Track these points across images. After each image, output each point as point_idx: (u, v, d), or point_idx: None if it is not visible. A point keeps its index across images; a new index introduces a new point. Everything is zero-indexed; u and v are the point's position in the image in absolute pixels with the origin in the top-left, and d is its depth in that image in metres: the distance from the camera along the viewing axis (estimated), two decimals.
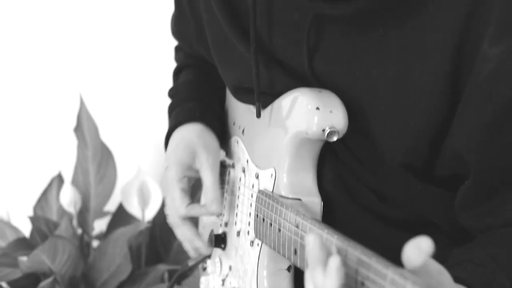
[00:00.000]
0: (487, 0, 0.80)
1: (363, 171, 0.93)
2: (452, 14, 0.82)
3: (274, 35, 0.96)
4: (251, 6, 0.93)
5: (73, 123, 1.85)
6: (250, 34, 0.94)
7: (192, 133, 1.08)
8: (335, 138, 0.88)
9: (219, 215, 1.07)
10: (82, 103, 1.85)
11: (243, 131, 1.07)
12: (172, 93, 1.19)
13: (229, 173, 1.09)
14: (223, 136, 1.12)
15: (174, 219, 1.08)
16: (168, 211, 1.09)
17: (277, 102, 0.96)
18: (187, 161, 1.06)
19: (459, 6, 0.81)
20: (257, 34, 0.95)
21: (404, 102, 0.87)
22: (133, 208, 1.78)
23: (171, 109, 1.15)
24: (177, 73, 1.24)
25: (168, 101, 1.19)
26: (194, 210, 1.05)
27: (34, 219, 1.82)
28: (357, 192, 0.94)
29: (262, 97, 0.97)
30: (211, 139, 1.08)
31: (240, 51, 0.99)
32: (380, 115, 0.89)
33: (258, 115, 0.97)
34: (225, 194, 1.09)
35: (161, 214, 1.74)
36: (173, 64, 1.27)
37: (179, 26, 1.17)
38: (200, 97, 1.14)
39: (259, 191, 0.97)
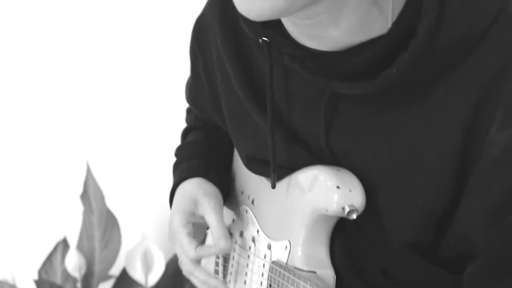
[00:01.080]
0: (496, 88, 0.83)
1: (370, 249, 0.94)
2: (462, 99, 0.84)
3: (292, 109, 0.97)
4: (268, 80, 0.95)
5: (80, 189, 1.90)
6: (267, 106, 0.95)
7: (194, 185, 1.11)
8: (354, 216, 0.90)
9: (229, 252, 1.08)
10: (88, 171, 1.91)
11: (252, 201, 1.09)
12: (178, 151, 1.22)
13: (236, 242, 1.11)
14: (226, 196, 1.14)
15: (186, 266, 1.09)
16: (180, 260, 1.10)
17: (294, 176, 0.98)
18: (189, 208, 1.08)
19: (469, 93, 0.84)
20: (275, 107, 0.97)
21: (413, 181, 0.88)
22: (137, 274, 1.82)
23: (176, 166, 1.18)
24: (185, 133, 1.27)
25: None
26: (203, 251, 1.06)
27: (39, 283, 1.85)
28: (364, 268, 0.95)
29: (277, 169, 0.98)
30: (212, 188, 1.10)
31: (256, 122, 1.00)
32: (389, 193, 0.91)
33: (273, 186, 0.99)
34: (232, 261, 1.12)
35: (163, 280, 1.79)
36: (176, 133, 1.30)
37: (194, 92, 1.18)
38: (205, 156, 1.17)
39: (273, 262, 0.98)
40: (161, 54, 1.90)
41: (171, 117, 1.71)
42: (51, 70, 2.02)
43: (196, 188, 1.10)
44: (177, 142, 1.28)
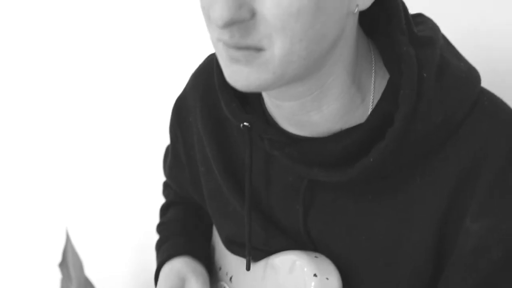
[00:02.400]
0: (471, 179, 0.85)
1: None
2: (438, 189, 0.86)
3: (270, 193, 0.99)
4: (247, 165, 0.96)
5: (58, 257, 1.90)
6: (245, 192, 0.97)
7: (182, 263, 1.12)
8: None
9: None
10: (68, 239, 1.90)
11: (230, 278, 1.09)
12: (160, 229, 1.23)
13: None
14: (209, 275, 1.15)
15: None
16: None
17: (272, 259, 0.99)
18: (176, 286, 1.09)
19: (444, 183, 0.86)
20: (253, 192, 0.98)
21: (391, 267, 0.90)
22: None
23: (160, 244, 1.19)
24: (165, 209, 1.28)
25: (154, 239, 1.23)
26: None
27: None
28: None
29: (254, 252, 1.00)
30: (200, 267, 1.12)
31: (235, 206, 1.02)
32: (367, 278, 0.92)
33: (248, 268, 1.00)
34: None
35: None
36: (157, 201, 1.32)
37: (173, 170, 1.19)
38: (190, 234, 1.18)
39: None
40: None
41: (148, 192, 1.72)
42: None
43: (185, 266, 1.12)
44: (156, 209, 1.30)
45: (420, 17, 0.96)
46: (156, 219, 1.30)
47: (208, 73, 1.05)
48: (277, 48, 0.77)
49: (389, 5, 0.89)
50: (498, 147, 0.85)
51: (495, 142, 0.86)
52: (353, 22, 0.85)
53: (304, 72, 0.81)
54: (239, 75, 0.80)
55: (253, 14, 0.75)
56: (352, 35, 0.86)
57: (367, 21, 0.92)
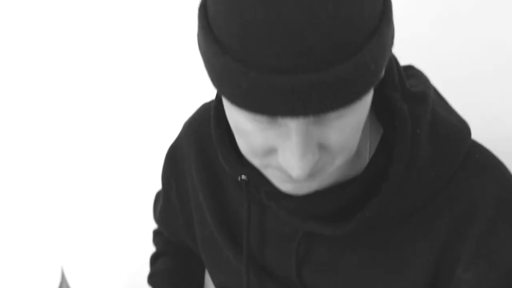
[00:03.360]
0: (462, 230, 0.88)
1: None
2: (430, 239, 0.89)
3: (265, 244, 1.01)
4: (245, 220, 0.99)
5: None
6: (243, 244, 0.99)
7: None
8: None
9: None
10: (63, 277, 1.90)
11: None
12: (152, 280, 1.24)
13: None
14: None
15: None
16: None
17: None
18: None
19: (436, 233, 0.89)
20: (248, 242, 1.00)
21: None
22: None
23: None
24: (155, 259, 1.29)
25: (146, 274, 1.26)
26: None
27: None
28: None
29: None
30: None
31: (229, 256, 1.03)
32: None
33: None
34: None
35: None
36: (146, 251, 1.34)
37: (166, 217, 1.20)
38: (178, 284, 1.21)
39: None
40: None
41: (143, 229, 1.72)
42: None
43: None
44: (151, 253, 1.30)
45: (411, 69, 0.99)
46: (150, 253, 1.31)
47: (204, 122, 1.06)
48: (337, 161, 0.80)
49: None
50: (489, 198, 0.88)
51: (486, 194, 0.88)
52: None
53: None
54: (300, 190, 0.82)
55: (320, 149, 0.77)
56: None
57: None
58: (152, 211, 1.25)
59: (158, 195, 1.25)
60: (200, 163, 1.05)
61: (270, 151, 0.78)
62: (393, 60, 0.92)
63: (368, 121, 0.93)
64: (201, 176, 1.05)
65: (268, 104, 0.70)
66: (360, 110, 0.76)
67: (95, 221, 2.01)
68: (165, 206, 1.19)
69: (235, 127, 0.79)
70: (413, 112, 0.89)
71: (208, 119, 1.01)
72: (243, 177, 0.96)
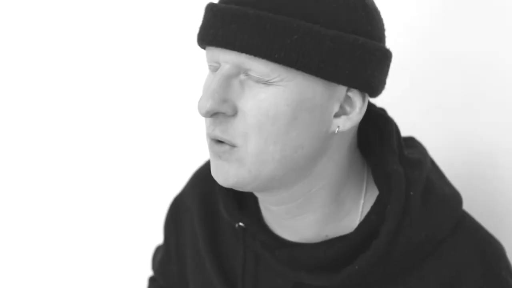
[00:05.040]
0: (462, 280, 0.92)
1: None
2: None
3: None
4: (240, 267, 1.03)
5: None
6: None
7: None
8: None
9: None
10: None
11: None
12: None
13: None
14: None
15: None
16: None
17: None
18: None
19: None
20: None
21: None
22: None
23: None
24: None
25: None
26: None
27: None
28: None
29: None
30: None
31: None
32: None
33: None
34: None
35: None
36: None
37: (163, 265, 1.22)
38: None
39: None
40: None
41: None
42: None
43: None
44: None
45: (411, 140, 1.03)
46: None
47: (209, 174, 1.10)
48: (250, 146, 0.86)
49: (383, 127, 0.96)
50: (476, 268, 0.91)
51: (473, 264, 0.92)
52: (341, 143, 0.92)
53: (282, 178, 0.89)
54: (220, 170, 0.89)
55: (235, 111, 0.86)
56: (341, 155, 0.93)
57: (363, 140, 0.99)
58: (151, 261, 1.29)
59: (158, 247, 1.29)
60: (203, 212, 1.10)
61: None
62: (394, 126, 0.96)
63: (364, 181, 0.97)
64: (202, 225, 1.09)
65: (202, 34, 0.88)
66: (287, 102, 0.85)
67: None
68: (165, 257, 1.22)
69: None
70: (408, 176, 0.93)
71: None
72: (241, 224, 1.00)
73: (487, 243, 0.93)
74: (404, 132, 1.05)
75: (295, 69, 0.84)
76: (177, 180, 1.34)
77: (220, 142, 0.88)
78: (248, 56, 0.84)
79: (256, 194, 0.96)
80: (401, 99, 1.28)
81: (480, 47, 1.21)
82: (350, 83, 0.87)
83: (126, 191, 1.76)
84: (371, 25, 0.88)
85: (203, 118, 1.04)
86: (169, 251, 1.20)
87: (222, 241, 1.07)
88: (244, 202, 1.04)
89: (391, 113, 1.04)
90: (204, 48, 0.91)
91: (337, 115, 0.89)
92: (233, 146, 0.87)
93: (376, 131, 0.97)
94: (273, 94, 0.85)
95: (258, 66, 0.84)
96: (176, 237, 1.17)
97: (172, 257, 1.19)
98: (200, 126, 1.19)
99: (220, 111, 0.86)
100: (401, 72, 1.16)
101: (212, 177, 0.96)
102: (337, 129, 0.89)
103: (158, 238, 1.43)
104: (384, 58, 0.90)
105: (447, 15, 1.25)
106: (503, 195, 1.21)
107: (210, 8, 0.88)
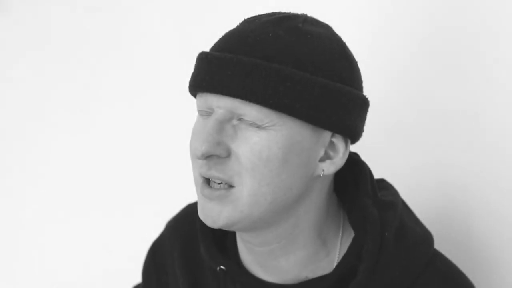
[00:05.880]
0: None
1: None
2: None
3: None
4: None
5: None
6: None
7: None
8: None
9: None
10: None
11: None
12: None
13: None
14: None
15: None
16: None
17: None
18: None
19: None
20: None
21: None
22: None
23: None
24: None
25: None
26: None
27: None
28: None
29: None
30: None
31: None
32: None
33: None
34: None
35: None
36: None
37: None
38: None
39: None
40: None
41: None
42: None
43: None
44: None
45: (383, 182, 1.09)
46: None
47: (187, 220, 1.14)
48: (245, 186, 0.91)
49: (358, 171, 1.01)
50: None
51: None
52: (322, 186, 0.97)
53: (270, 218, 0.93)
54: (210, 212, 0.93)
55: (229, 153, 0.91)
56: (321, 198, 0.98)
57: (338, 183, 1.04)
58: None
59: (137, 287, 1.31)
60: (185, 258, 1.12)
61: None
62: (368, 171, 1.01)
63: (341, 224, 1.01)
64: (184, 270, 1.12)
65: (196, 81, 0.92)
66: (279, 146, 0.89)
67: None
68: None
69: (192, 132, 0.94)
70: (382, 217, 0.98)
71: (191, 217, 1.11)
72: (222, 267, 1.03)
73: (456, 282, 0.98)
74: None
75: (286, 115, 0.89)
76: (177, 182, 1.36)
77: (209, 186, 0.93)
78: (242, 101, 0.89)
79: (241, 234, 1.00)
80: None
81: None
82: (336, 129, 0.92)
83: (126, 195, 1.80)
84: (353, 74, 0.94)
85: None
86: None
87: (203, 286, 1.10)
88: (224, 244, 1.07)
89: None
90: (194, 96, 0.95)
91: (321, 160, 0.94)
92: (230, 185, 0.91)
93: (351, 175, 1.02)
94: (266, 137, 0.90)
95: (251, 112, 0.89)
96: (157, 277, 1.19)
97: None
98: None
99: (215, 153, 0.90)
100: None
101: (191, 222, 1.00)
102: (322, 173, 0.94)
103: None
104: (364, 106, 0.96)
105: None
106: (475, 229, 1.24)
107: (204, 56, 0.93)
